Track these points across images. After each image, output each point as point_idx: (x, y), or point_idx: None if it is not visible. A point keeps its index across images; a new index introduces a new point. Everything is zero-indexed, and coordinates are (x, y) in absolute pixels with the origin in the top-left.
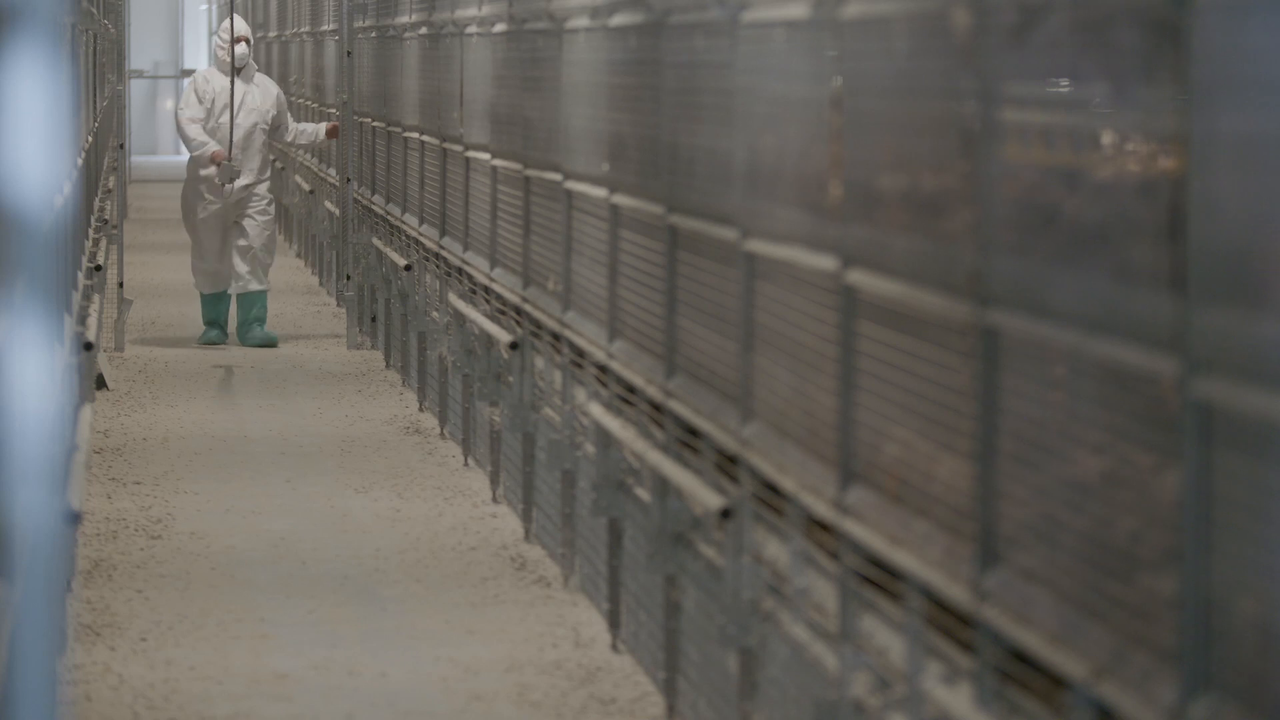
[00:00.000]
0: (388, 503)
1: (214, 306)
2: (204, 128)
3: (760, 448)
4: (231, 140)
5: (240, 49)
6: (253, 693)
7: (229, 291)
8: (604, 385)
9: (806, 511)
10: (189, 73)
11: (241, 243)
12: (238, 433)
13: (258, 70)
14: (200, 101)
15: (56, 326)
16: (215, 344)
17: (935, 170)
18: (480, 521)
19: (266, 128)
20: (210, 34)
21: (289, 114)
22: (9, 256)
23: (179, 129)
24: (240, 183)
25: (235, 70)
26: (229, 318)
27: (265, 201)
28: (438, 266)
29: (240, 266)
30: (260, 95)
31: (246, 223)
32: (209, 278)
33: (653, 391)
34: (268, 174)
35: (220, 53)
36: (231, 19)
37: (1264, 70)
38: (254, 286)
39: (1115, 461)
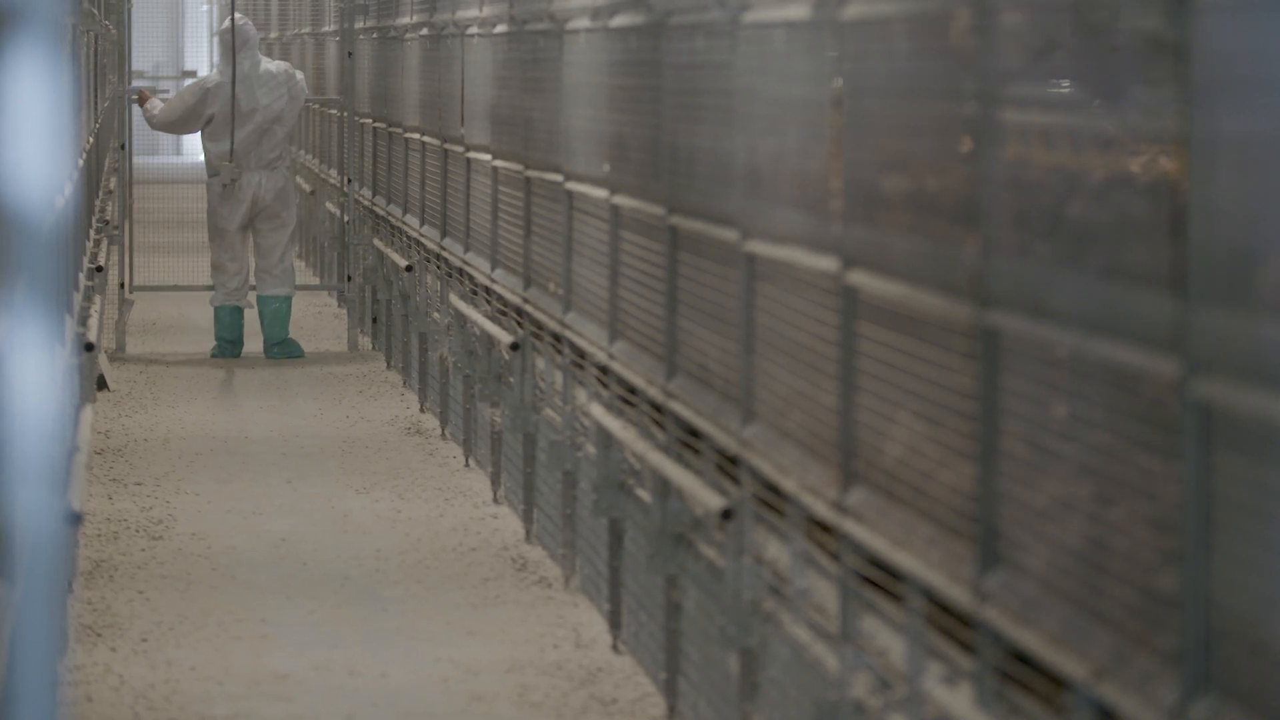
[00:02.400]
0: (389, 503)
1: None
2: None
3: (761, 449)
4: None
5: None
6: (253, 693)
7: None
8: (605, 386)
9: (807, 512)
10: (190, 74)
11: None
12: (238, 433)
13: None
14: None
15: (57, 327)
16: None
17: (936, 171)
18: (481, 522)
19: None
20: (211, 35)
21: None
22: (10, 257)
23: None
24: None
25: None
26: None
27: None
28: (439, 267)
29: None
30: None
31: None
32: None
33: (653, 392)
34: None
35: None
36: (232, 18)
37: (1264, 71)
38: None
39: (1115, 462)
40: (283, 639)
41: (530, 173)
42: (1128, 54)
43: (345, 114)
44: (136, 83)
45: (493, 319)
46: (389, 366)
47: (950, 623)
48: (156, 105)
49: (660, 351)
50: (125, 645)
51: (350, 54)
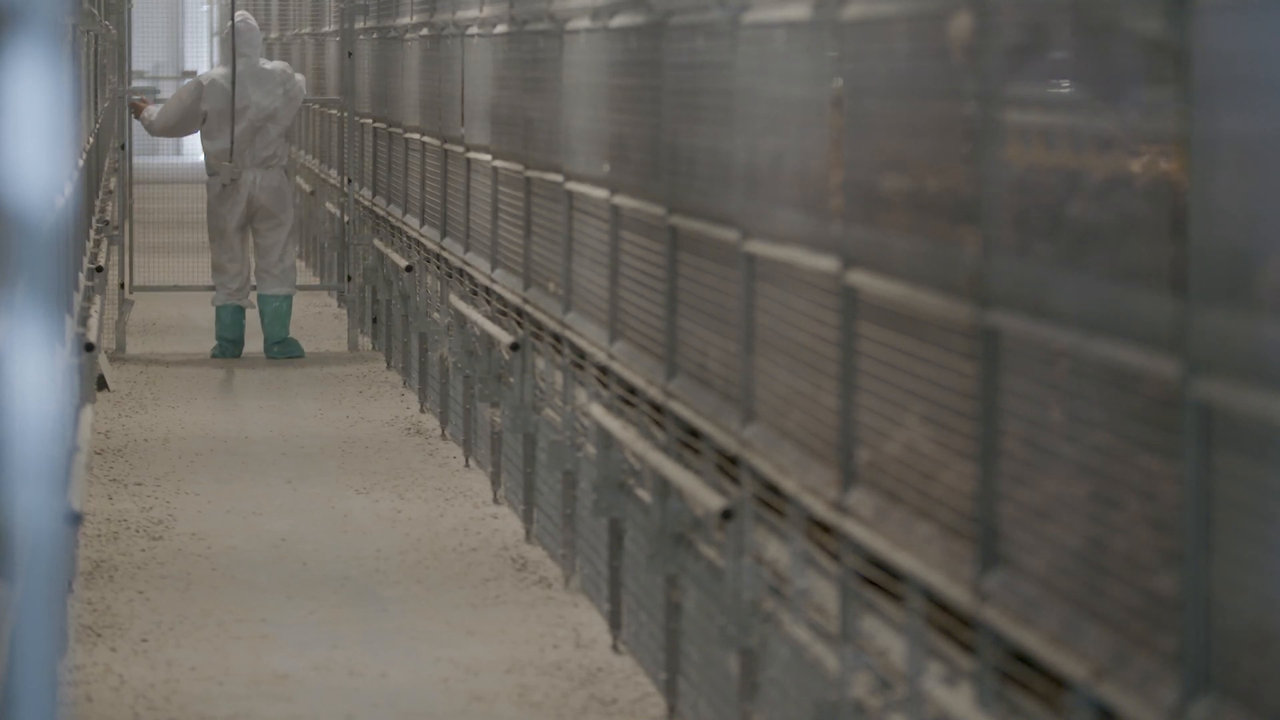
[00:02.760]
0: (389, 504)
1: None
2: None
3: (761, 449)
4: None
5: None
6: (253, 693)
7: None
8: (605, 386)
9: (807, 512)
10: (190, 73)
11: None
12: (238, 434)
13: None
14: None
15: (57, 327)
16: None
17: (936, 171)
18: (481, 522)
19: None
20: (211, 35)
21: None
22: (10, 257)
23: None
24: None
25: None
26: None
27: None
28: (439, 268)
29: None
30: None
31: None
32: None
33: (653, 392)
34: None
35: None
36: (233, 17)
37: (1264, 71)
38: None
39: (1116, 462)
40: (283, 639)
41: (530, 173)
42: (1128, 54)
43: (345, 114)
44: (137, 83)
45: (493, 319)
46: (389, 367)
47: (950, 623)
48: (153, 112)
49: (660, 351)
50: (125, 645)
51: (350, 54)
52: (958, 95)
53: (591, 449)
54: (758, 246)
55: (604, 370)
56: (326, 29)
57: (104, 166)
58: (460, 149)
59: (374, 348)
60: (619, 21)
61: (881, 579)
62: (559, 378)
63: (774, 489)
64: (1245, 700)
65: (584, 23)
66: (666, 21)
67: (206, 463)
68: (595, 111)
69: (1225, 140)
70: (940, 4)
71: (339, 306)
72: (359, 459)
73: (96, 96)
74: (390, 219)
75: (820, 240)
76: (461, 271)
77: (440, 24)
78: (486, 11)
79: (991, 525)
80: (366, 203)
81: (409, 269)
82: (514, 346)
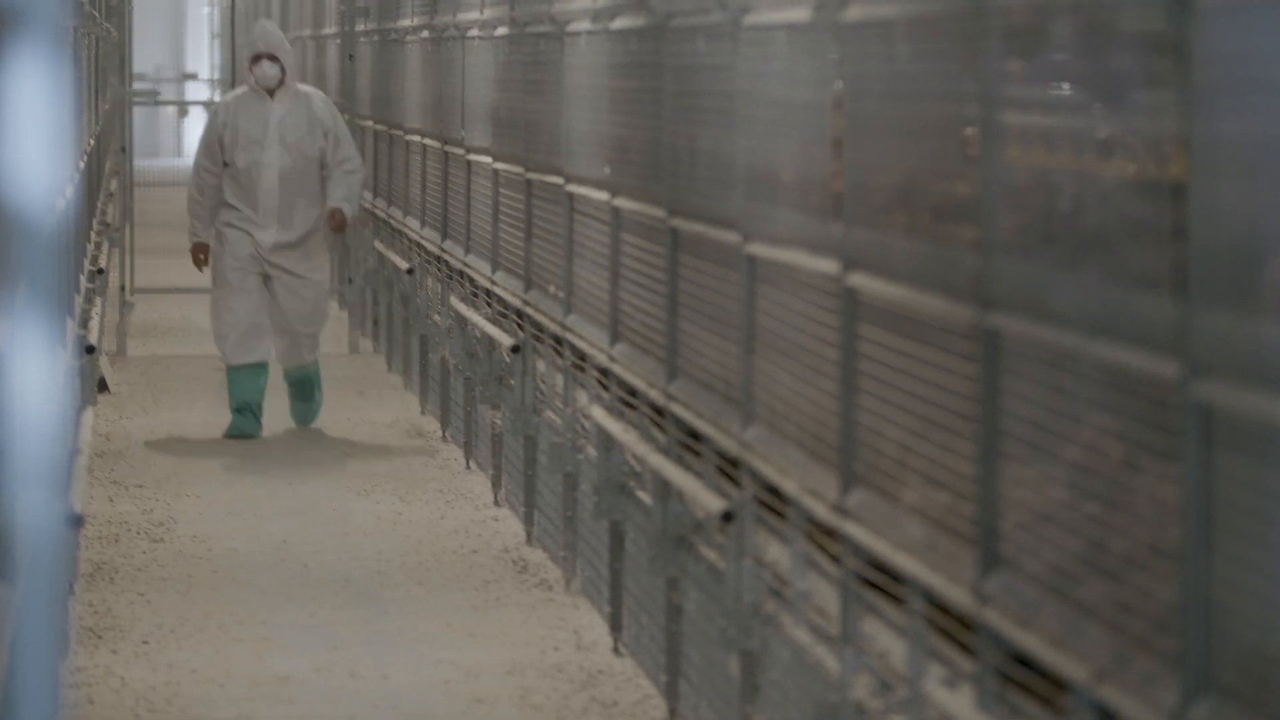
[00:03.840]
0: (389, 506)
1: (244, 384)
2: (228, 176)
3: (762, 451)
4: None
5: (263, 68)
6: (254, 695)
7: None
8: (605, 388)
9: (808, 514)
10: (191, 76)
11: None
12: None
13: (301, 84)
14: (211, 146)
15: (58, 329)
16: (247, 435)
17: (936, 173)
18: (482, 524)
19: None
20: (212, 37)
21: (347, 141)
22: (11, 260)
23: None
24: (271, 238)
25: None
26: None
27: (310, 264)
28: (439, 270)
29: (278, 340)
30: (302, 122)
31: (280, 290)
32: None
33: (654, 395)
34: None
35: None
36: (236, 25)
37: (1265, 73)
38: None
39: (1116, 464)
40: (284, 641)
41: (531, 175)
42: (1128, 55)
43: (346, 116)
44: (138, 85)
45: (493, 321)
46: (390, 369)
47: (951, 625)
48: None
49: (661, 354)
50: (126, 647)
51: (351, 56)
52: (958, 97)
53: (592, 451)
54: (759, 249)
55: (605, 372)
56: (327, 31)
57: (105, 169)
58: (461, 151)
59: (375, 350)
60: (620, 23)
61: (882, 581)
62: (560, 380)
63: (775, 491)
64: (1245, 702)
65: (585, 25)
66: (667, 24)
67: (207, 465)
68: (596, 114)
69: (1226, 141)
70: (940, 6)
71: (340, 309)
72: (360, 461)
73: (97, 99)
74: (391, 221)
75: (821, 242)
76: (462, 274)
77: (441, 26)
78: (487, 14)
79: (992, 527)
80: (367, 205)
81: (410, 271)
82: (515, 349)
